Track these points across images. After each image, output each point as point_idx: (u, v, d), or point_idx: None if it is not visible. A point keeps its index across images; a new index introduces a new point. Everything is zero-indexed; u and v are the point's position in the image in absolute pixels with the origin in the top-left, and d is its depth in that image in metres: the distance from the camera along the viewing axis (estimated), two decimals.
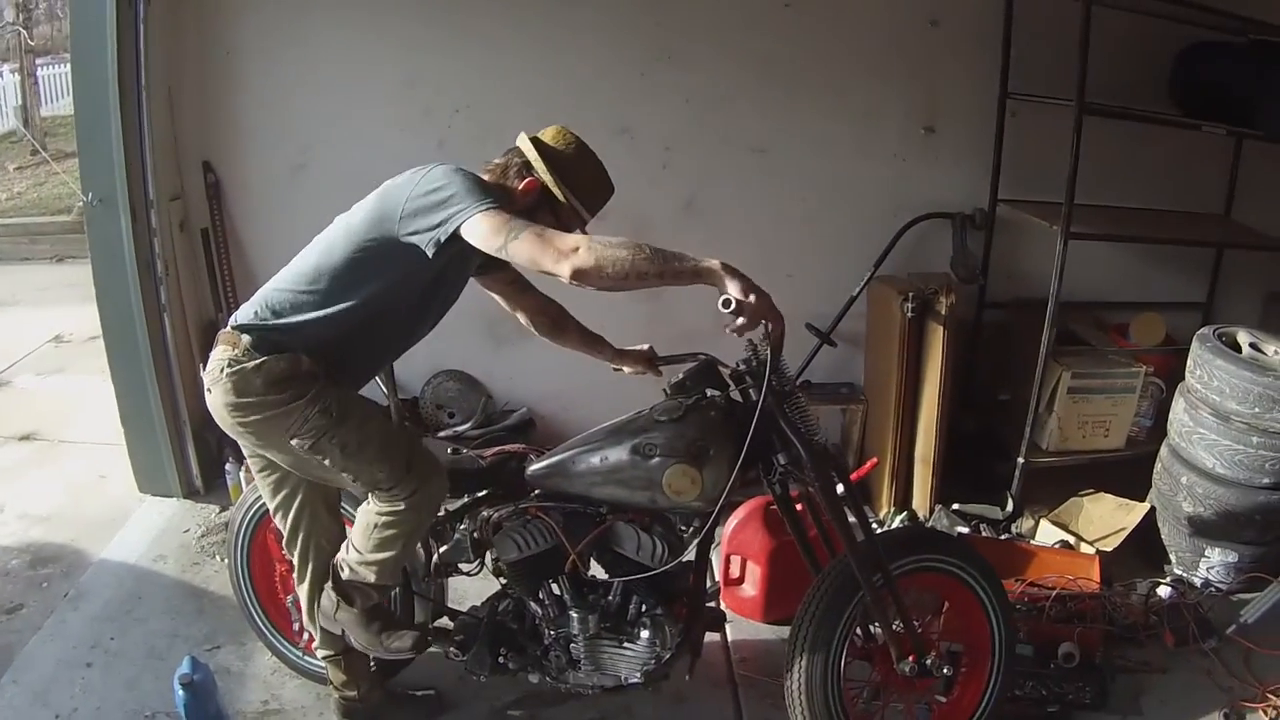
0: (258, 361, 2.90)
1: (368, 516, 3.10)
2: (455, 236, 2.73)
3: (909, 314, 4.74)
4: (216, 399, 2.99)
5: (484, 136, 4.73)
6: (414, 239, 2.79)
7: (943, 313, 4.69)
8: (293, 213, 4.79)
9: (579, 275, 2.61)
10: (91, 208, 4.63)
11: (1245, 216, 5.23)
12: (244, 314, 3.02)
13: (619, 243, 2.65)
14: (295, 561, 3.36)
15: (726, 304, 2.65)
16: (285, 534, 3.33)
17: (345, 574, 3.20)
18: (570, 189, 3.02)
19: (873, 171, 5.12)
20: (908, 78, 4.98)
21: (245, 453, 3.27)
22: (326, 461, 2.97)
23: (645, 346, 3.55)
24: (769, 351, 2.96)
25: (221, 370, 2.94)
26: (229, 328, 3.02)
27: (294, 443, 2.95)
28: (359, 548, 3.15)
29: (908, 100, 5.03)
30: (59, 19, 17.40)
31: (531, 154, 3.01)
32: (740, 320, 2.68)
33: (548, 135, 3.12)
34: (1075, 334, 5.06)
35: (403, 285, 2.96)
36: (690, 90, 4.93)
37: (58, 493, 5.25)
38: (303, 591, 3.40)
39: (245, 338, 2.94)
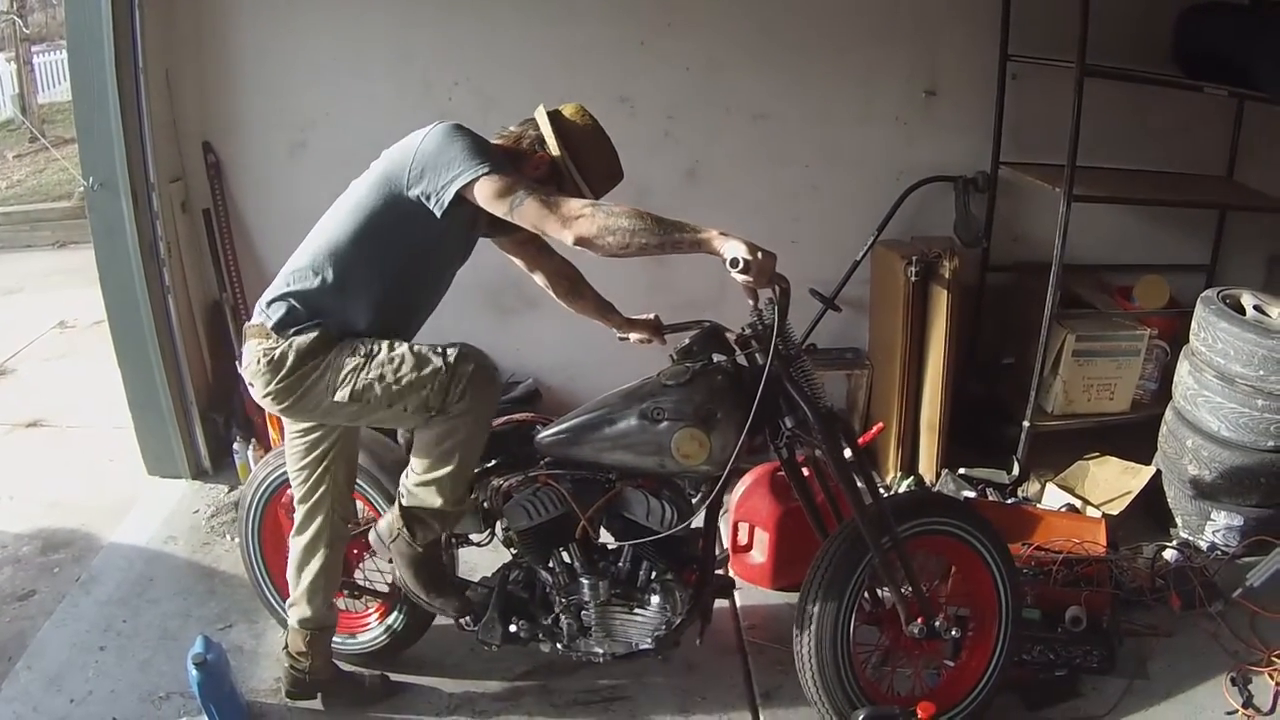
0: (286, 345, 2.94)
1: (425, 434, 3.09)
2: (461, 198, 2.77)
3: (913, 278, 4.74)
4: (259, 390, 3.03)
5: (485, 109, 4.75)
6: (421, 199, 2.84)
7: (946, 277, 4.68)
8: (294, 190, 4.80)
9: (582, 241, 2.66)
10: (93, 192, 4.63)
11: (1248, 178, 5.22)
12: (265, 305, 3.04)
13: (623, 211, 2.68)
14: (299, 516, 3.35)
15: (735, 263, 2.67)
16: (302, 490, 3.31)
17: (406, 500, 3.16)
18: (579, 169, 3.03)
19: (875, 136, 5.11)
20: (908, 41, 4.97)
21: (290, 429, 3.27)
22: (373, 403, 2.96)
23: (652, 315, 3.56)
24: (776, 315, 2.97)
25: (258, 362, 2.98)
26: (254, 322, 3.05)
27: (338, 397, 2.96)
28: (417, 470, 3.12)
29: (909, 64, 5.01)
30: (53, 6, 17.31)
31: (546, 129, 3.02)
32: (748, 278, 2.69)
33: (566, 111, 3.12)
34: (1079, 297, 5.05)
35: (415, 248, 2.98)
36: (691, 58, 4.92)
37: (66, 478, 5.26)
38: (296, 543, 3.39)
39: (270, 325, 2.97)
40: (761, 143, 5.07)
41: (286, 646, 3.55)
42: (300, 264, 3.01)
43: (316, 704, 3.61)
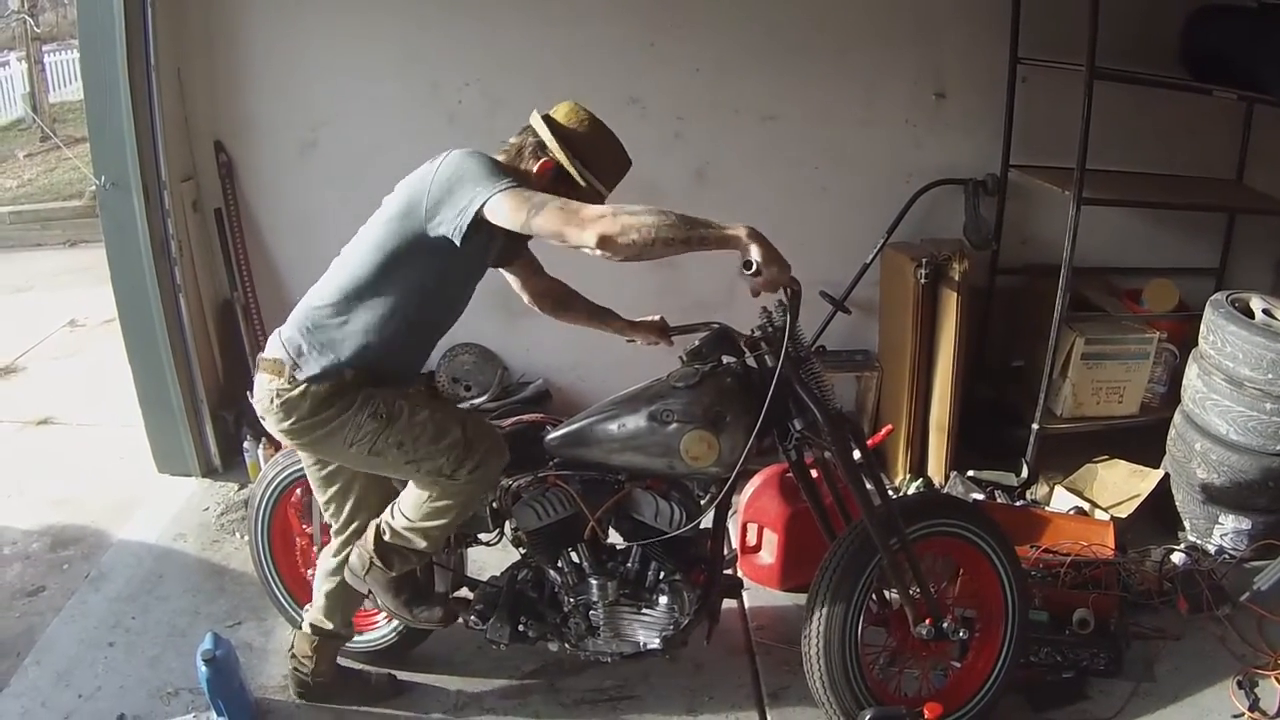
0: (301, 389, 2.94)
1: (423, 488, 3.13)
2: (480, 221, 2.73)
3: (922, 281, 4.74)
4: (272, 426, 3.05)
5: (493, 110, 4.76)
6: (441, 229, 2.79)
7: (956, 279, 4.68)
8: (305, 190, 4.82)
9: (605, 243, 2.60)
10: (104, 191, 4.64)
11: (1257, 181, 5.21)
12: (283, 341, 3.04)
13: (644, 210, 2.65)
14: (336, 540, 3.40)
15: (747, 266, 2.68)
16: (337, 523, 3.36)
17: (388, 537, 3.20)
18: (586, 166, 3.00)
19: (884, 138, 5.11)
20: (918, 44, 4.97)
21: (306, 460, 3.30)
22: (388, 460, 3.02)
23: (656, 317, 3.56)
24: (786, 317, 2.98)
25: (271, 401, 2.99)
26: (270, 356, 3.04)
27: (353, 450, 3.01)
28: (408, 515, 3.15)
29: (918, 67, 5.02)
30: (64, 5, 17.38)
31: (545, 133, 2.98)
32: (759, 281, 2.70)
33: (560, 113, 3.09)
34: (1088, 300, 5.04)
35: (436, 281, 2.97)
36: (700, 60, 4.92)
37: (77, 475, 5.27)
38: (328, 558, 3.44)
39: (287, 365, 2.97)
40: (771, 144, 5.07)
41: (292, 648, 3.58)
42: (322, 302, 3.01)
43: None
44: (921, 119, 5.09)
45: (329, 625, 3.50)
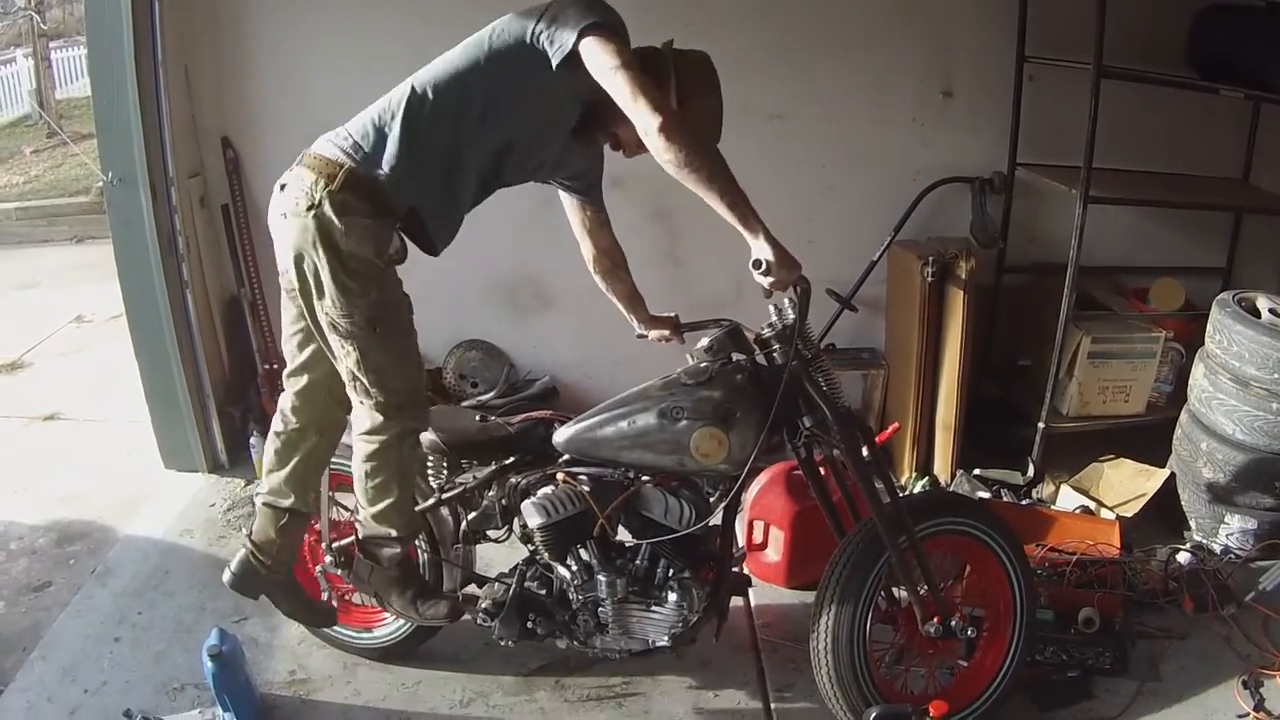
0: (351, 219, 2.81)
1: (357, 469, 3.17)
2: (577, 57, 2.72)
3: (929, 279, 4.74)
4: (290, 229, 2.88)
5: None
6: (543, 42, 2.77)
7: (963, 277, 4.68)
8: None
9: (667, 133, 2.61)
10: (111, 187, 4.65)
11: (1264, 181, 5.21)
12: (341, 142, 2.90)
13: (705, 139, 2.73)
14: (291, 397, 3.28)
15: (757, 264, 2.72)
16: (293, 366, 3.24)
17: (362, 533, 3.29)
18: (678, 91, 3.00)
19: (891, 136, 5.11)
20: (925, 43, 4.98)
21: (284, 286, 3.12)
22: (341, 349, 2.96)
23: (673, 314, 3.57)
24: (796, 315, 2.98)
25: (310, 207, 2.82)
26: (320, 153, 2.89)
27: (327, 318, 2.91)
28: (363, 504, 3.22)
29: (925, 65, 5.02)
30: (70, 2, 17.39)
31: (668, 65, 3.01)
32: (770, 280, 2.72)
33: (691, 57, 3.09)
34: (1095, 299, 5.05)
35: (518, 93, 2.88)
36: None
37: (83, 471, 5.28)
38: (279, 427, 3.32)
39: (343, 170, 2.82)
40: (778, 143, 5.07)
41: (251, 534, 3.44)
42: (394, 107, 2.88)
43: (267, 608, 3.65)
44: (929, 117, 5.10)
45: (288, 501, 3.35)
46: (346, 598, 3.80)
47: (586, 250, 3.50)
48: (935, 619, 3.24)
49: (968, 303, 4.68)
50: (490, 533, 3.47)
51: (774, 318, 3.12)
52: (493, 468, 3.39)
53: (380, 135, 2.87)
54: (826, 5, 4.88)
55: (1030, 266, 5.33)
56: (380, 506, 3.20)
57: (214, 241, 5.14)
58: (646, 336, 3.56)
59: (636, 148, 2.90)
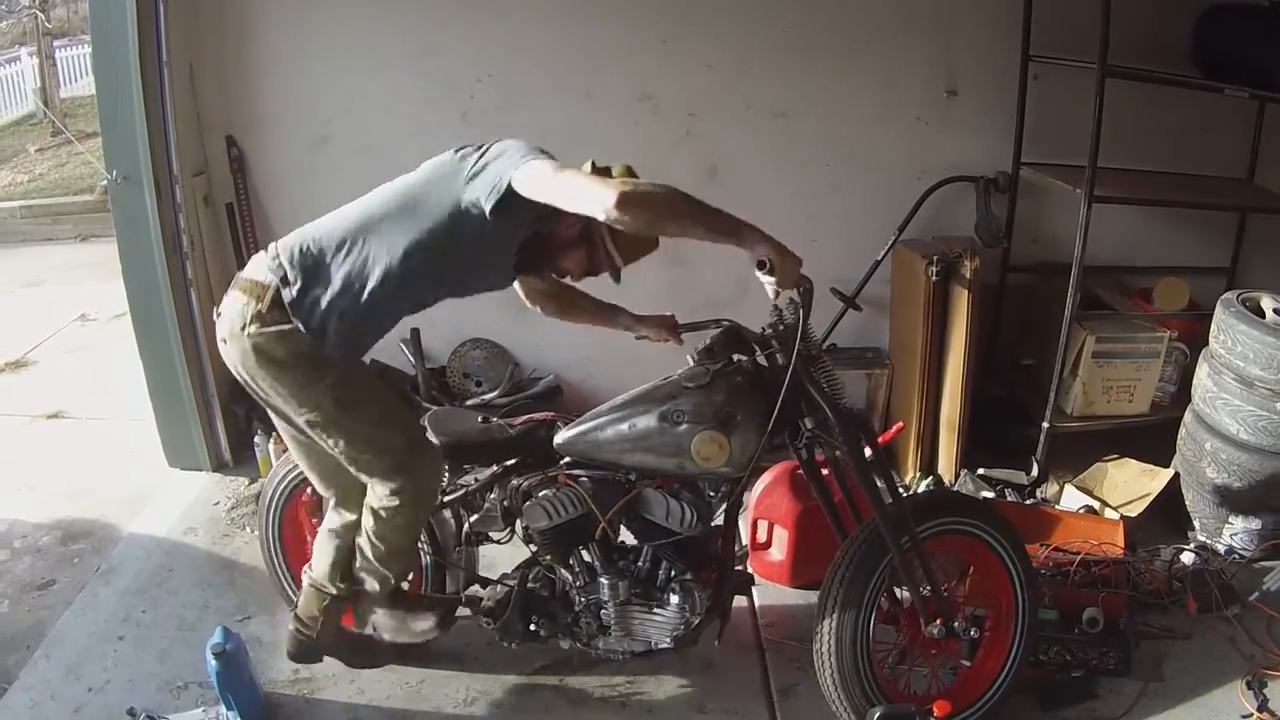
0: (283, 329, 2.88)
1: (367, 522, 3.19)
2: (512, 195, 2.71)
3: (933, 278, 4.74)
4: (232, 355, 2.98)
5: (506, 105, 4.77)
6: (474, 195, 2.78)
7: (967, 277, 4.67)
8: (317, 184, 4.82)
9: (623, 203, 2.57)
10: (116, 185, 4.64)
11: (1269, 180, 5.19)
12: (269, 264, 2.94)
13: (661, 185, 2.67)
14: (334, 497, 3.38)
15: (761, 265, 2.70)
16: (323, 481, 3.35)
17: (365, 583, 3.36)
18: (614, 236, 3.01)
19: (896, 135, 5.11)
20: (929, 42, 4.97)
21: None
22: (329, 441, 3.03)
23: (668, 314, 3.56)
24: (798, 316, 2.98)
25: (243, 328, 2.89)
26: (251, 277, 2.95)
27: (301, 419, 3.01)
28: (368, 555, 3.26)
29: (929, 64, 5.02)
30: (75, 1, 17.42)
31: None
32: (773, 279, 2.71)
33: (614, 173, 3.01)
34: (1099, 298, 5.04)
35: (451, 242, 2.88)
36: (713, 57, 4.93)
37: (87, 469, 5.29)
38: (331, 524, 3.41)
39: (271, 290, 2.89)
40: (783, 142, 5.08)
41: (297, 611, 3.53)
42: (329, 240, 2.93)
43: (323, 666, 3.65)
44: (933, 117, 5.09)
45: (333, 590, 3.43)
46: None
47: (525, 299, 3.53)
48: (938, 620, 3.24)
49: (972, 302, 4.68)
50: (493, 534, 3.47)
51: (774, 318, 3.11)
52: (494, 470, 3.39)
53: (307, 267, 2.92)
54: (831, 4, 4.88)
55: (1035, 266, 5.32)
56: (386, 552, 3.27)
57: (218, 240, 5.15)
58: (646, 337, 3.55)
59: (583, 272, 3.07)
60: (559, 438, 3.30)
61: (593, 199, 2.61)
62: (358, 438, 3.02)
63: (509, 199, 2.72)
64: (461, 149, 2.93)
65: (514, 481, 3.34)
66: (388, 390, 3.23)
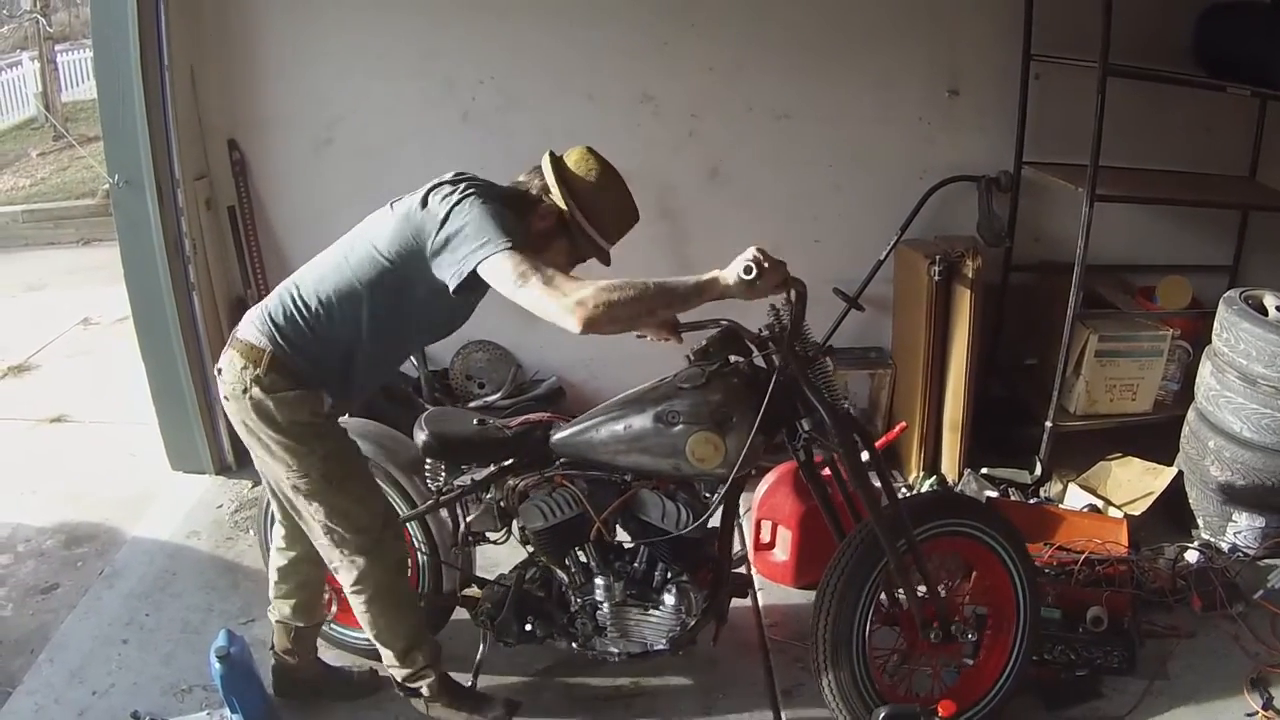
0: (280, 396, 2.95)
1: (362, 620, 3.33)
2: (475, 275, 2.74)
3: (936, 278, 4.73)
4: (233, 412, 3.05)
5: (507, 107, 4.77)
6: (440, 271, 2.81)
7: (969, 276, 4.66)
8: (319, 187, 4.83)
9: (590, 326, 2.63)
10: (117, 189, 4.65)
11: (1270, 178, 5.18)
12: (261, 326, 3.00)
13: (623, 285, 2.66)
14: (283, 533, 3.44)
15: (749, 270, 2.69)
16: (281, 513, 3.36)
17: (397, 676, 3.44)
18: (589, 218, 3.01)
19: (897, 135, 5.11)
20: (930, 41, 4.97)
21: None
22: (309, 509, 3.10)
23: None
24: (791, 318, 2.97)
25: (244, 390, 2.96)
26: (245, 339, 3.01)
27: (286, 482, 3.06)
28: (383, 651, 3.40)
29: (931, 64, 5.01)
30: (76, 5, 17.47)
31: (551, 179, 2.97)
32: (762, 280, 2.71)
33: (572, 158, 3.06)
34: (1101, 297, 5.04)
35: (421, 307, 2.99)
36: (714, 58, 4.93)
37: (90, 473, 5.29)
38: (278, 561, 3.48)
39: (266, 355, 2.95)
40: (784, 142, 5.07)
41: (273, 645, 3.58)
42: (307, 296, 2.99)
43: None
44: (935, 116, 5.09)
45: (296, 622, 3.51)
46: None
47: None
48: (934, 623, 3.24)
49: (974, 302, 4.67)
50: (489, 534, 3.47)
51: (772, 318, 3.11)
52: (491, 470, 3.38)
53: (293, 324, 2.98)
54: (831, 5, 4.87)
55: (1037, 265, 5.32)
56: (399, 647, 3.34)
57: (220, 243, 5.15)
58: (646, 337, 3.54)
59: (570, 262, 3.07)
60: (555, 438, 3.29)
61: (557, 318, 2.67)
62: (336, 510, 3.08)
63: (472, 280, 2.77)
64: (407, 200, 2.95)
65: (510, 482, 3.33)
66: (371, 478, 3.29)
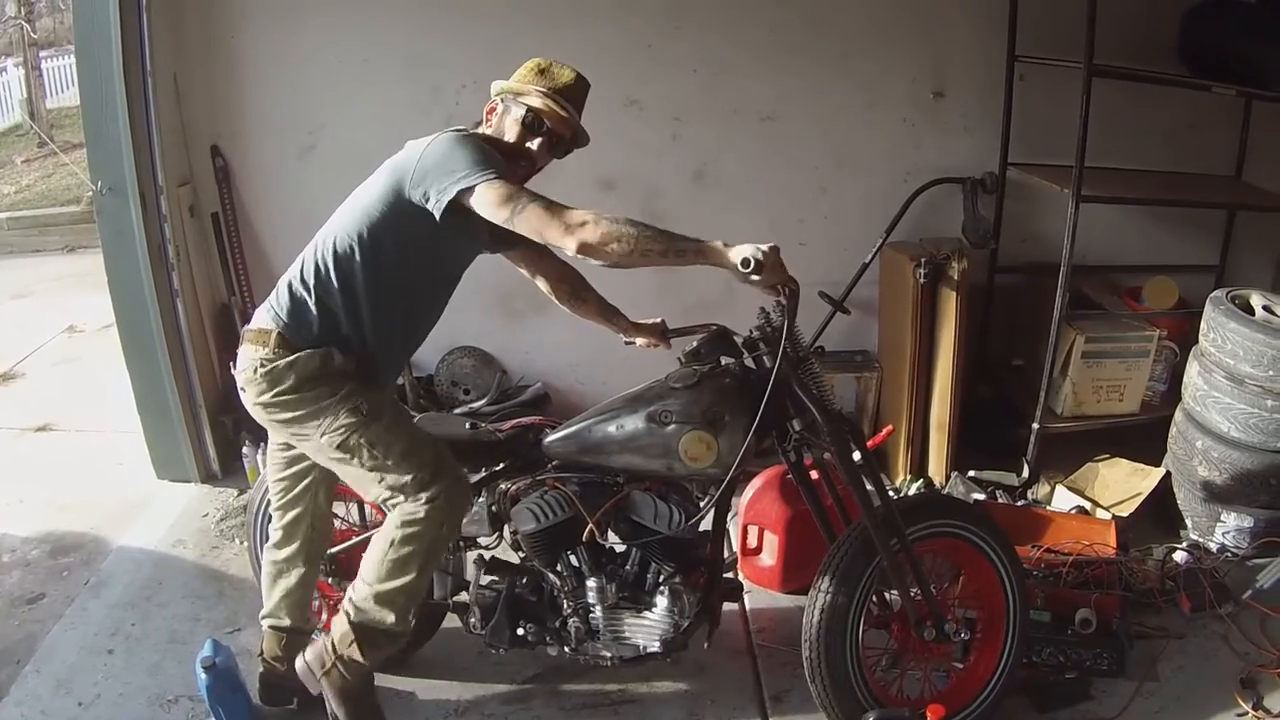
0: (290, 359, 2.96)
1: (383, 537, 3.08)
2: (459, 203, 2.81)
3: (921, 280, 4.74)
4: (250, 398, 3.06)
5: None
6: (421, 201, 2.87)
7: (955, 278, 4.68)
8: (303, 194, 4.81)
9: (586, 248, 2.70)
10: (101, 196, 4.64)
11: (1256, 178, 5.20)
12: (267, 311, 3.07)
13: (625, 219, 2.73)
14: (278, 530, 3.40)
15: (746, 264, 2.70)
16: (280, 500, 3.36)
17: (354, 615, 3.13)
18: (554, 93, 3.09)
19: (882, 138, 5.11)
20: (915, 43, 4.97)
21: (273, 440, 3.31)
22: (354, 460, 3.01)
23: (658, 320, 3.56)
24: (784, 317, 2.97)
25: (255, 370, 2.99)
26: (255, 326, 3.07)
27: (324, 440, 3.00)
28: (370, 579, 3.10)
29: (916, 66, 5.02)
30: (60, 11, 17.43)
31: (497, 86, 3.16)
32: (761, 277, 2.72)
33: (522, 71, 3.19)
34: (1088, 298, 5.05)
35: (415, 255, 3.01)
36: (698, 61, 4.93)
37: (75, 482, 5.26)
38: (274, 555, 3.43)
39: (274, 335, 2.99)
40: (769, 145, 5.07)
41: (262, 652, 3.55)
42: (304, 269, 3.04)
43: (293, 707, 3.59)
44: (920, 118, 5.09)
45: (289, 621, 3.48)
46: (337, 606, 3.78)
47: (542, 285, 3.56)
48: (928, 622, 3.23)
49: (960, 303, 4.68)
50: (480, 539, 3.46)
51: (762, 320, 3.11)
52: (482, 474, 3.37)
53: (296, 299, 3.04)
54: (816, 7, 4.88)
55: (1023, 266, 5.32)
56: (394, 583, 3.08)
57: (204, 250, 5.13)
58: (634, 343, 3.55)
59: (548, 154, 3.16)
60: (547, 441, 3.29)
61: (556, 242, 2.76)
62: (381, 444, 3.00)
63: (454, 206, 2.84)
64: (395, 159, 3.04)
65: (502, 486, 3.33)
66: (404, 411, 3.26)
